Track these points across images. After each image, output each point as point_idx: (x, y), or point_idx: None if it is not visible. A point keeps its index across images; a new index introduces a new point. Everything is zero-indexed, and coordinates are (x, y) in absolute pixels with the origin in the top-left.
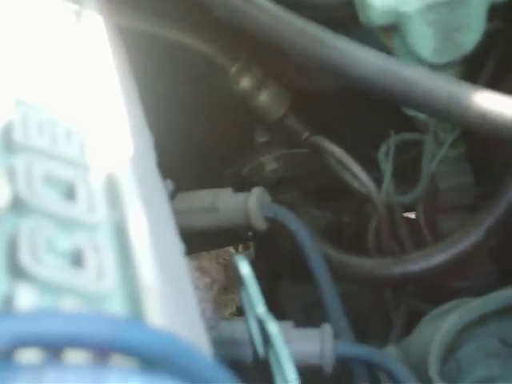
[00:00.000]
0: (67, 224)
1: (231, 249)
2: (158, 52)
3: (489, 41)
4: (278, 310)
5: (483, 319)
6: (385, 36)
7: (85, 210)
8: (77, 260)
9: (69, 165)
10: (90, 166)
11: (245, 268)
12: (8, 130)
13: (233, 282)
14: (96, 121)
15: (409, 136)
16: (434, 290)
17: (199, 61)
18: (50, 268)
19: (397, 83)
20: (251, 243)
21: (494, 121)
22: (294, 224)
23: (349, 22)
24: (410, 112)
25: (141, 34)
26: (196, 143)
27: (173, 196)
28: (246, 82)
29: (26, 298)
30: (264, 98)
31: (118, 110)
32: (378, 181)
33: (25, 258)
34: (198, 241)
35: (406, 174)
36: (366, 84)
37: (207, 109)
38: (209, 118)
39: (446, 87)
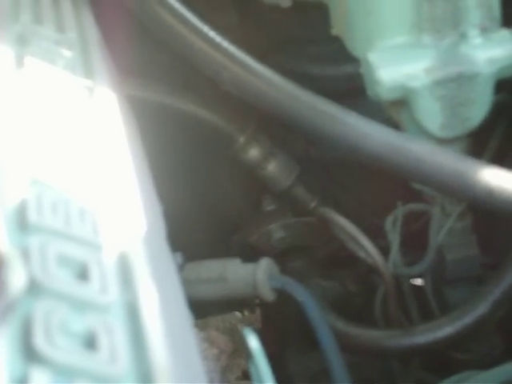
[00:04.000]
0: (80, 305)
1: (237, 312)
2: (167, 121)
3: (495, 113)
4: (285, 377)
5: None
6: (393, 110)
7: (98, 290)
8: (90, 342)
9: (82, 245)
10: (103, 245)
11: (254, 343)
12: (22, 209)
13: (238, 346)
14: (108, 198)
15: (416, 207)
16: (441, 361)
17: (208, 130)
18: (64, 351)
19: (404, 159)
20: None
21: (500, 197)
22: (302, 295)
23: (356, 94)
24: (417, 185)
25: (151, 104)
26: (204, 211)
27: (182, 267)
28: (254, 152)
29: (39, 382)
30: (272, 167)
31: (129, 185)
32: (385, 250)
33: (39, 340)
34: (205, 307)
35: (413, 244)
36: (375, 159)
37: (216, 177)
38: (217, 186)
39: (452, 163)
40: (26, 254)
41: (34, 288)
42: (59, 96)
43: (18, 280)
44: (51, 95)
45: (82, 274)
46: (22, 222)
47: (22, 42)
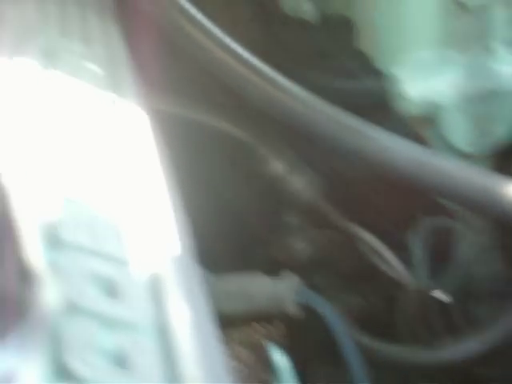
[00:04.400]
0: (111, 323)
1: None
2: (191, 135)
3: None
4: None
5: None
6: (419, 125)
7: (128, 308)
8: (121, 360)
9: (113, 262)
10: (133, 263)
11: (279, 358)
12: (53, 227)
13: (260, 360)
14: (138, 214)
15: (440, 220)
16: (466, 377)
17: (231, 143)
18: (95, 369)
19: (431, 175)
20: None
21: None
22: (326, 310)
23: (382, 109)
24: (442, 199)
25: (177, 118)
26: (226, 223)
27: (206, 281)
28: (277, 165)
29: None
30: (295, 181)
31: (158, 201)
32: (409, 264)
33: (70, 358)
34: (227, 320)
35: (437, 258)
36: (401, 174)
37: (238, 190)
38: (240, 199)
39: (479, 179)
40: (58, 272)
41: (66, 306)
42: (87, 110)
43: (50, 298)
44: (79, 109)
45: (112, 292)
46: (54, 240)
47: (49, 55)
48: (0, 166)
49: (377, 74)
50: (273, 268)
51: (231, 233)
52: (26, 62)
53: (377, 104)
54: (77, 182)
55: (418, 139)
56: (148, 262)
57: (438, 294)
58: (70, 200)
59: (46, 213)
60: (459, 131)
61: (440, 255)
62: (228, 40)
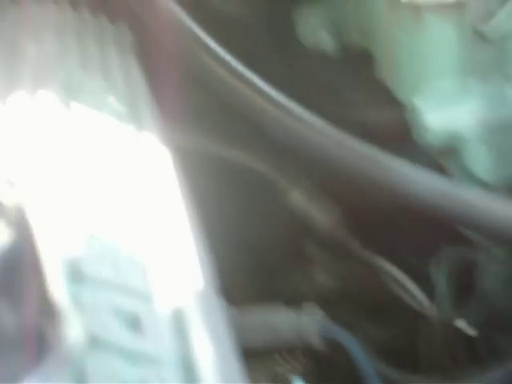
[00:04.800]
0: (135, 357)
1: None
2: (211, 167)
3: None
4: None
5: None
6: (440, 155)
7: (151, 342)
8: None
9: (135, 296)
10: (156, 297)
11: None
12: (76, 261)
13: None
14: (161, 249)
15: (464, 251)
16: None
17: (252, 176)
18: None
19: (454, 206)
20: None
21: None
22: (350, 343)
23: (402, 139)
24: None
25: (198, 152)
26: (250, 257)
27: (230, 314)
28: (298, 196)
29: None
30: (317, 212)
31: (181, 236)
32: (432, 295)
33: None
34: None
35: (460, 288)
36: (423, 205)
37: (259, 220)
38: (261, 229)
39: (503, 209)
40: (81, 306)
41: (89, 340)
42: (108, 145)
43: (73, 333)
44: (100, 144)
45: (137, 326)
46: (77, 274)
47: (69, 89)
48: (25, 201)
49: (397, 104)
50: (295, 300)
51: (253, 265)
52: (48, 97)
53: (398, 134)
54: (100, 217)
55: (440, 169)
56: (171, 297)
57: (462, 326)
58: (93, 235)
59: (69, 247)
60: (480, 161)
61: (464, 286)
62: (248, 73)
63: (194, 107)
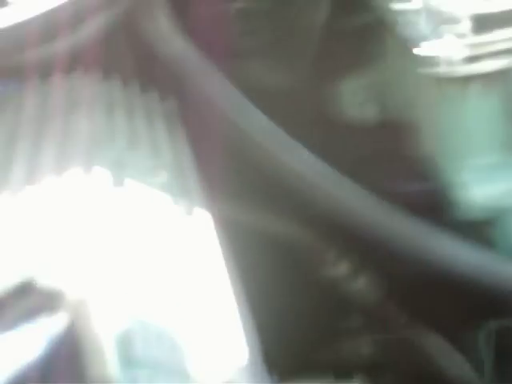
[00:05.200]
0: None
1: None
2: (256, 240)
3: None
4: None
5: None
6: (483, 229)
7: None
8: None
9: (184, 377)
10: (203, 378)
11: None
12: (127, 343)
13: None
14: (204, 323)
15: (506, 322)
16: None
17: (296, 247)
18: None
19: (498, 281)
20: None
21: None
22: None
23: (442, 212)
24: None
25: (241, 224)
26: (293, 326)
27: None
28: (342, 268)
29: None
30: (360, 283)
31: (224, 308)
32: (475, 366)
33: None
34: None
35: (507, 361)
36: (467, 280)
37: (304, 291)
38: (306, 301)
39: None
40: None
41: None
42: (156, 221)
43: None
44: (149, 220)
45: None
46: (127, 356)
47: (118, 167)
48: (83, 287)
49: (439, 175)
50: (338, 370)
51: (298, 337)
52: (97, 174)
53: (441, 206)
54: (147, 295)
55: (483, 242)
56: (217, 373)
57: None
58: (141, 314)
59: (118, 327)
60: None
61: (506, 356)
62: (293, 143)
63: (238, 178)
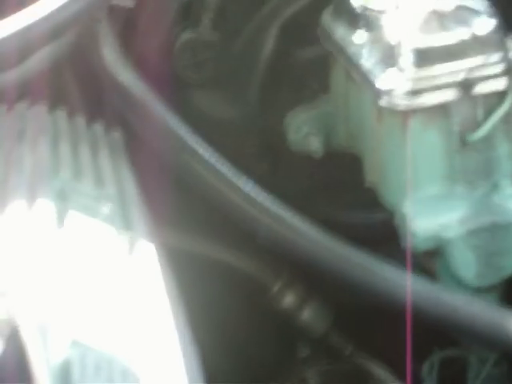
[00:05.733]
0: None
1: None
2: (202, 269)
3: None
4: None
5: None
6: (427, 259)
7: None
8: None
9: None
10: None
11: None
12: (66, 370)
13: None
14: (149, 355)
15: (452, 352)
16: None
17: (242, 279)
18: None
19: (440, 310)
20: None
21: None
22: None
23: (389, 241)
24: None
25: (186, 253)
26: (239, 358)
27: None
28: (288, 300)
29: None
30: (306, 314)
31: (169, 341)
32: None
33: None
34: None
35: None
36: (409, 308)
37: (250, 324)
38: (251, 333)
39: (488, 314)
40: None
41: None
42: (99, 253)
43: None
44: (91, 252)
45: None
46: (65, 381)
47: (62, 197)
48: (17, 312)
49: (384, 207)
50: None
51: (244, 367)
52: (41, 207)
53: (384, 237)
54: (87, 325)
55: (426, 272)
56: None
57: None
58: (81, 342)
59: (56, 356)
60: (467, 265)
61: None
62: (235, 176)
63: (184, 208)
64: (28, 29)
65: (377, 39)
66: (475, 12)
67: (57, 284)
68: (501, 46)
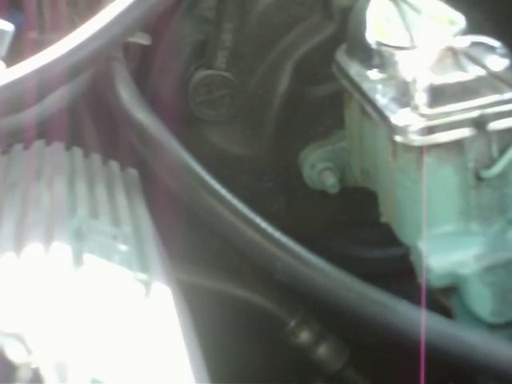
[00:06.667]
0: None
1: None
2: (218, 306)
3: None
4: None
5: None
6: (443, 296)
7: None
8: None
9: None
10: None
11: None
12: None
13: None
14: None
15: None
16: None
17: (259, 315)
18: None
19: (457, 348)
20: None
21: None
22: None
23: (405, 277)
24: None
25: (203, 289)
26: None
27: None
28: (304, 336)
29: None
30: (323, 350)
31: (182, 372)
32: None
33: None
34: None
35: None
36: (427, 347)
37: (266, 359)
38: (269, 368)
39: (504, 352)
40: None
41: None
42: (116, 293)
43: None
44: (108, 293)
45: None
46: None
47: (79, 237)
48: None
49: (400, 243)
50: None
51: None
52: (58, 246)
53: (400, 272)
54: (105, 364)
55: (442, 309)
56: None
57: None
58: (99, 382)
59: None
60: (483, 302)
61: None
62: (251, 213)
63: (200, 244)
64: (46, 68)
65: (392, 76)
66: (490, 49)
67: (74, 325)
68: None
